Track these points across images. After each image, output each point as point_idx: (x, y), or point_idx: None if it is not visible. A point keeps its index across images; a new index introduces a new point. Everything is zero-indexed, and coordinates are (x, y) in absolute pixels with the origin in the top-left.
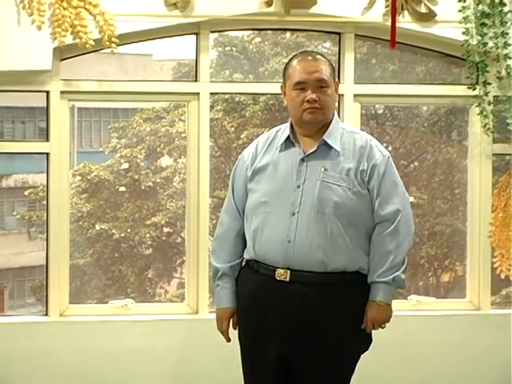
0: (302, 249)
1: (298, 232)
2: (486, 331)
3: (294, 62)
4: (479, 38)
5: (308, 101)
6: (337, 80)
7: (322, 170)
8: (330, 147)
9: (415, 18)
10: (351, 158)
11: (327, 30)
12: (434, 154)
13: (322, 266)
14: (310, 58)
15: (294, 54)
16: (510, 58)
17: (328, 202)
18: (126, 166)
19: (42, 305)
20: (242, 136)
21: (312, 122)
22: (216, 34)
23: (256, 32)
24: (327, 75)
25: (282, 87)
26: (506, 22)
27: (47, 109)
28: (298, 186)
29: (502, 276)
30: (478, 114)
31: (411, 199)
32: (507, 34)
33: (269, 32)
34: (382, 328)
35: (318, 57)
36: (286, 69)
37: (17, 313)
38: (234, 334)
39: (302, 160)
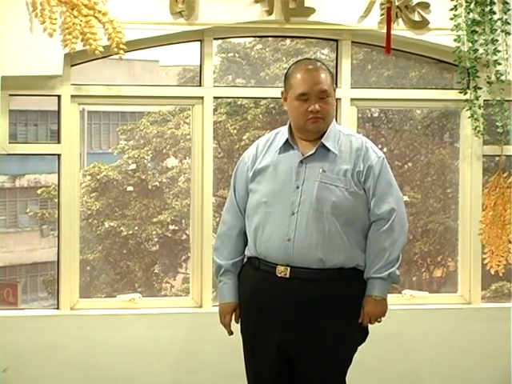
0: (301, 247)
1: (297, 231)
2: (476, 324)
3: (297, 72)
4: (470, 44)
5: (311, 111)
6: (334, 85)
7: (321, 171)
8: (328, 149)
9: (409, 26)
10: (348, 159)
11: (325, 37)
12: (427, 156)
13: (321, 263)
14: (312, 67)
15: (296, 60)
16: (499, 63)
17: (326, 202)
18: (133, 166)
19: (53, 299)
20: (244, 138)
21: (315, 131)
22: (219, 41)
23: (257, 39)
24: (328, 85)
25: (282, 93)
26: (496, 30)
27: (58, 112)
28: (297, 187)
29: (492, 272)
30: (469, 118)
31: (405, 198)
32: (497, 40)
33: (270, 39)
34: (379, 322)
35: (319, 66)
36: (288, 77)
37: (29, 306)
38: (236, 327)
39: (301, 162)
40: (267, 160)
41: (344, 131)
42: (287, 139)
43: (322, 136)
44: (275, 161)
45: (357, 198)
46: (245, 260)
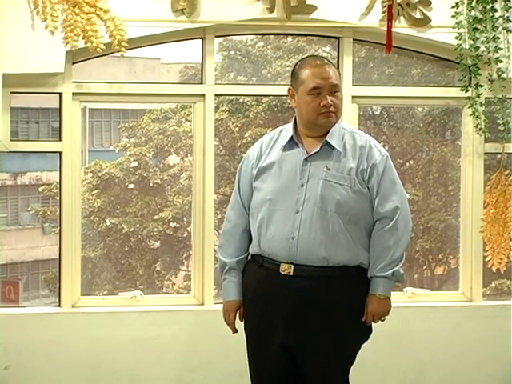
0: (306, 245)
1: (301, 229)
2: (477, 321)
3: (307, 67)
4: (471, 42)
5: (324, 105)
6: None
7: (325, 169)
8: (333, 147)
9: (410, 24)
10: (352, 157)
11: (327, 34)
12: (428, 153)
13: (324, 261)
14: (321, 62)
15: (302, 58)
16: (500, 61)
17: (330, 200)
18: (135, 163)
19: (54, 296)
20: (246, 135)
21: (327, 125)
22: (221, 39)
23: (259, 36)
24: (338, 80)
25: (289, 90)
26: (497, 27)
27: (60, 110)
28: (302, 185)
29: (493, 269)
30: (471, 115)
31: (407, 196)
32: (498, 38)
33: (271, 37)
34: (382, 321)
35: (327, 62)
36: (297, 73)
37: (31, 304)
38: (240, 325)
39: (306, 160)
40: (272, 158)
41: (348, 129)
42: (292, 136)
43: (326, 133)
44: (280, 158)
45: (361, 196)
46: (249, 257)
